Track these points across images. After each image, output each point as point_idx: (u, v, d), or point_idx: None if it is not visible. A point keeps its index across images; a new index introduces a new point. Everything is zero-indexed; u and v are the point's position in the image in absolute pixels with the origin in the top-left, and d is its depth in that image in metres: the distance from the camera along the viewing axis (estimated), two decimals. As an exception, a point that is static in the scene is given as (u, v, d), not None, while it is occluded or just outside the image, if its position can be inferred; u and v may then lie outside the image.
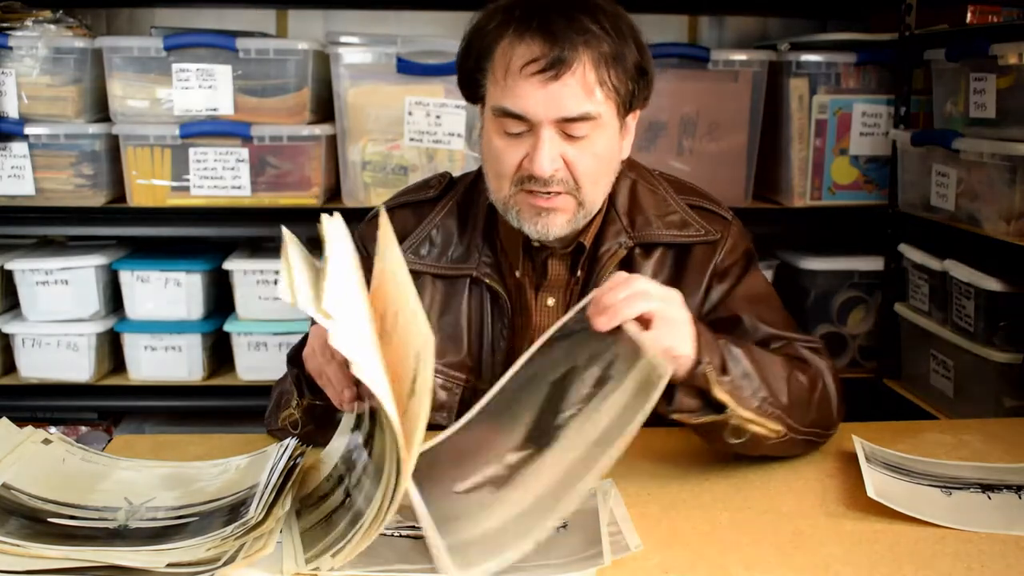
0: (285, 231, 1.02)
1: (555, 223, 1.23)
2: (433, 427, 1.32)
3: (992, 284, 1.84)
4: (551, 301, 1.33)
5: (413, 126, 2.16)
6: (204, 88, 2.12)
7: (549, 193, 1.21)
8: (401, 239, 1.35)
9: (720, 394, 1.07)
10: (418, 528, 0.97)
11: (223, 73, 2.12)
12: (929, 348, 2.10)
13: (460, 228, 1.35)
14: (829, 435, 1.24)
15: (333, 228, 1.01)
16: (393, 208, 1.41)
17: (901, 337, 2.24)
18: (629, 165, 1.36)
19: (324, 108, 2.25)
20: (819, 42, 2.25)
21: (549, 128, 1.18)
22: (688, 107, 2.22)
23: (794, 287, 2.33)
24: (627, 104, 1.24)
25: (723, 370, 1.08)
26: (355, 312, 0.96)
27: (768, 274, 2.29)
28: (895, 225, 2.23)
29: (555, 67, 1.15)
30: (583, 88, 1.17)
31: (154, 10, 2.54)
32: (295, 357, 1.19)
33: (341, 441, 1.11)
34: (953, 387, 2.02)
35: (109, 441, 1.29)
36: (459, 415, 1.31)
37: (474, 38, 1.24)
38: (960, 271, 1.93)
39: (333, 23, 2.56)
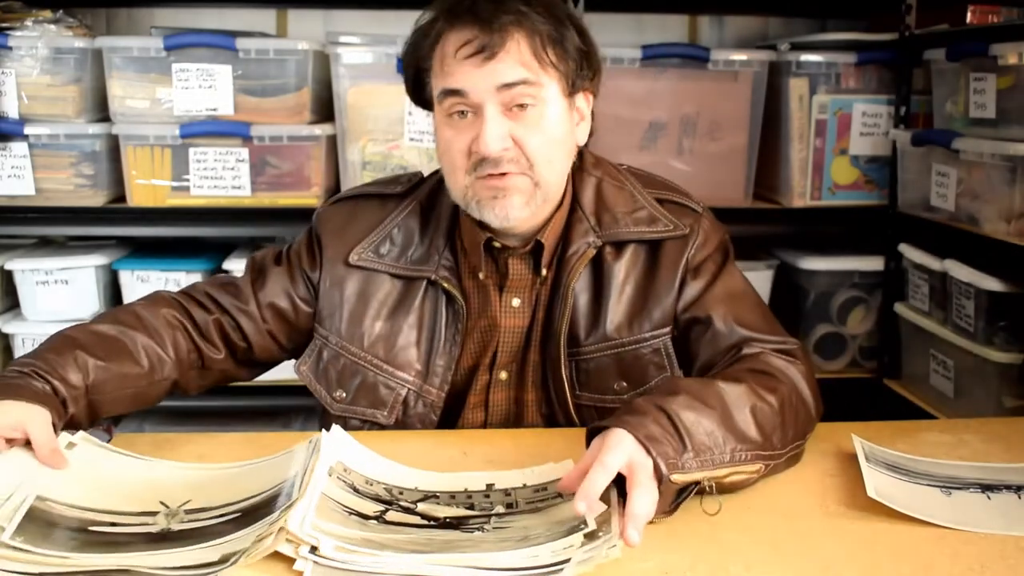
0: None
1: (513, 204, 1.22)
2: (374, 425, 1.33)
3: (992, 284, 1.85)
4: (516, 302, 1.32)
5: (413, 126, 2.16)
6: (204, 88, 2.13)
7: (503, 174, 1.21)
8: (365, 233, 1.35)
9: (686, 478, 1.02)
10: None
11: (223, 73, 2.12)
12: (929, 348, 2.10)
13: (422, 229, 1.34)
14: (806, 441, 1.21)
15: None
16: (359, 196, 1.41)
17: (901, 337, 2.24)
18: (595, 163, 1.35)
19: (324, 108, 2.25)
20: (819, 42, 2.25)
21: (492, 104, 1.19)
22: (688, 107, 2.22)
23: (794, 287, 2.33)
24: (571, 83, 1.24)
25: (682, 446, 1.02)
26: None
27: (768, 274, 2.29)
28: (895, 225, 2.23)
29: (488, 49, 1.17)
30: (520, 63, 1.19)
31: (154, 10, 2.54)
32: None
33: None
34: (953, 387, 2.02)
35: (109, 441, 1.28)
36: (402, 415, 1.32)
37: (412, 43, 1.26)
38: (960, 271, 1.93)
39: (333, 23, 2.56)
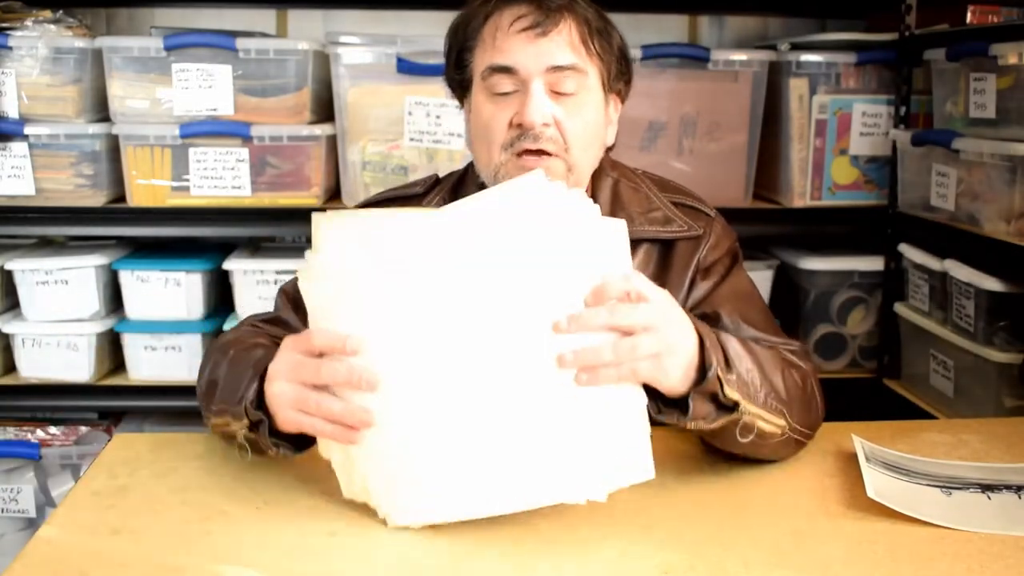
0: None
1: None
2: None
3: (992, 284, 1.85)
4: None
5: (413, 126, 2.16)
6: (204, 88, 2.12)
7: (540, 152, 1.22)
8: None
9: (732, 393, 1.06)
10: None
11: (223, 73, 2.12)
12: (929, 348, 2.10)
13: None
14: (812, 436, 1.23)
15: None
16: (380, 202, 1.42)
17: (901, 337, 2.24)
18: (612, 165, 1.38)
19: (324, 108, 2.25)
20: (819, 42, 2.25)
21: (539, 80, 1.21)
22: (688, 107, 2.22)
23: (794, 287, 2.33)
24: (610, 77, 1.28)
25: (727, 366, 1.07)
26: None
27: (768, 274, 2.29)
28: (895, 225, 2.23)
29: (542, 24, 1.21)
30: (570, 45, 1.22)
31: (154, 10, 2.54)
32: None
33: None
34: (953, 387, 2.02)
35: (108, 440, 1.29)
36: None
37: (462, 20, 1.29)
38: (960, 271, 1.93)
39: (333, 23, 2.56)
